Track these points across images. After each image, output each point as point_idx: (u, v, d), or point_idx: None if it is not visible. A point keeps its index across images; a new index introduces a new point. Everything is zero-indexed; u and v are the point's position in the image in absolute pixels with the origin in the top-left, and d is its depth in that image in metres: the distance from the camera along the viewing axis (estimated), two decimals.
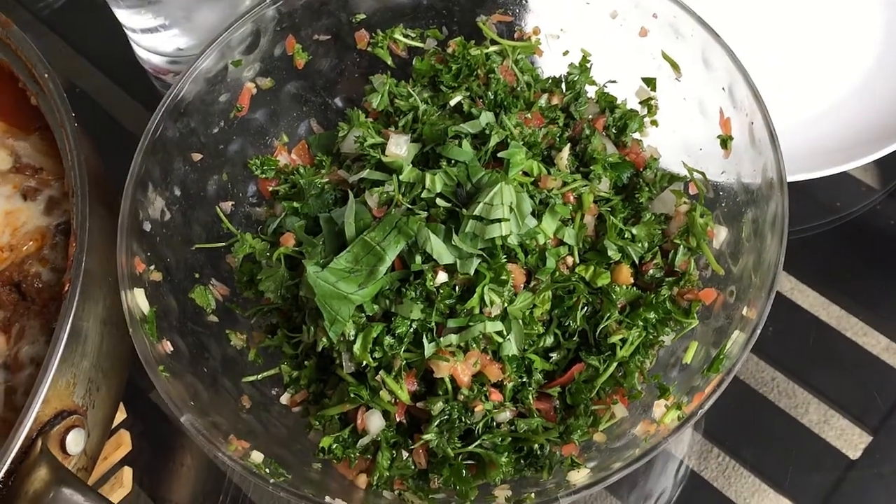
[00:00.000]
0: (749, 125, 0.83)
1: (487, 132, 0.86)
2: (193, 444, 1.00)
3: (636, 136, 0.95)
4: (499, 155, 0.84)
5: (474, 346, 0.78)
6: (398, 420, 0.81)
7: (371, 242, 0.79)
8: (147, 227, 0.86)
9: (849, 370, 0.99)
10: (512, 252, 0.81)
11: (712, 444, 0.96)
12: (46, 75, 0.90)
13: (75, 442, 0.76)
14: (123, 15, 1.17)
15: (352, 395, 0.80)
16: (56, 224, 0.91)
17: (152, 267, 0.85)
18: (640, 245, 0.85)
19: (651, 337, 0.82)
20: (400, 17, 1.01)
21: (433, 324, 0.78)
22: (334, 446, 0.80)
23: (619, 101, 0.96)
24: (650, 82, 0.95)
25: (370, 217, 0.82)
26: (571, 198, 0.85)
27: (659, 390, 0.79)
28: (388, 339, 0.78)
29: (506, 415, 0.80)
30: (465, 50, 0.97)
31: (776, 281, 0.75)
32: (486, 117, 0.88)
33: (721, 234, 0.85)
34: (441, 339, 0.78)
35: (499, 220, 0.78)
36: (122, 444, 0.96)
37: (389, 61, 1.01)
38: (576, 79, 0.97)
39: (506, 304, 0.79)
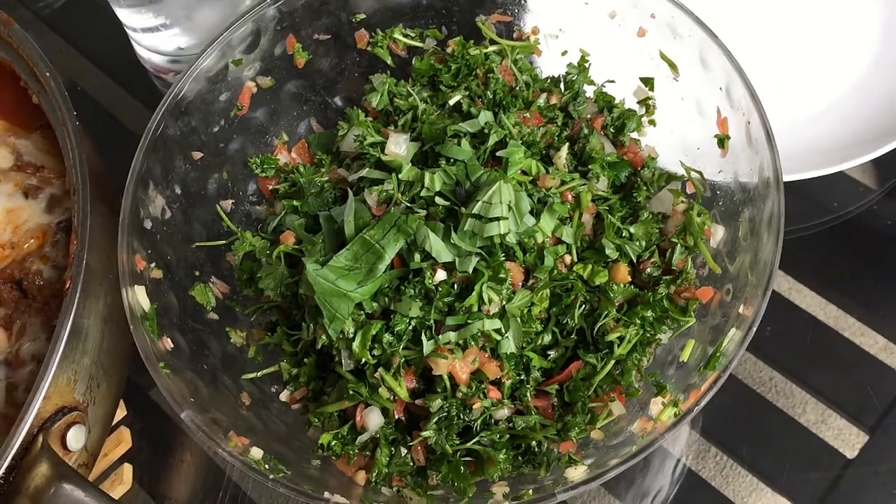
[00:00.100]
0: (746, 125, 0.83)
1: (486, 131, 0.87)
2: (193, 441, 1.01)
3: (634, 135, 0.95)
4: (497, 154, 0.85)
5: (473, 343, 0.79)
6: (397, 417, 0.81)
7: (370, 240, 0.80)
8: (148, 224, 0.87)
9: (846, 370, 0.99)
10: (510, 250, 0.81)
11: (710, 444, 0.96)
12: (48, 74, 0.90)
13: (76, 438, 0.77)
14: (124, 14, 1.17)
15: (351, 393, 0.80)
16: (57, 222, 0.91)
17: (153, 264, 0.86)
18: (637, 244, 0.86)
19: (648, 335, 0.83)
20: (399, 17, 1.01)
21: (432, 321, 0.79)
22: (333, 443, 0.81)
23: (617, 101, 0.96)
24: (648, 82, 0.95)
25: (369, 215, 0.83)
26: (570, 197, 0.86)
27: (656, 388, 0.79)
28: (387, 337, 0.79)
29: (504, 412, 0.80)
30: (464, 50, 0.97)
31: (772, 279, 0.75)
32: (485, 116, 0.88)
33: (718, 233, 0.85)
34: (440, 336, 0.78)
35: (497, 219, 0.79)
36: (123, 440, 0.97)
37: (389, 61, 1.01)
38: (574, 78, 0.97)
39: (504, 302, 0.80)
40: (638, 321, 0.82)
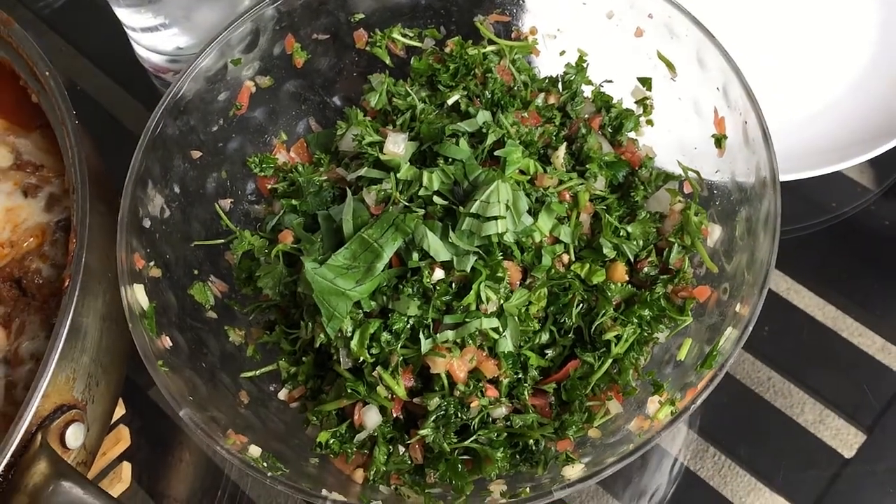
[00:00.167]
0: (743, 124, 0.83)
1: (484, 131, 0.87)
2: (192, 440, 1.01)
3: (632, 135, 0.96)
4: (495, 153, 0.85)
5: (470, 342, 0.79)
6: (395, 415, 0.81)
7: (369, 239, 0.80)
8: (147, 223, 0.87)
9: (844, 370, 0.99)
10: (508, 249, 0.81)
11: (708, 444, 0.96)
12: (47, 73, 0.90)
13: (75, 436, 0.77)
14: (124, 14, 1.18)
15: (349, 391, 0.80)
16: (56, 221, 0.92)
17: (152, 263, 0.86)
18: (635, 243, 0.86)
19: (646, 334, 0.83)
20: (398, 17, 1.01)
21: (430, 320, 0.79)
22: (331, 441, 0.81)
23: (614, 101, 0.97)
24: (646, 82, 0.95)
25: (368, 214, 0.83)
26: (567, 196, 0.86)
27: (653, 387, 0.79)
28: (385, 336, 0.79)
29: (501, 410, 0.81)
30: (462, 49, 0.97)
31: (768, 278, 0.75)
32: (483, 116, 0.88)
33: (715, 233, 0.86)
34: (437, 335, 0.79)
35: (495, 218, 0.79)
36: (121, 439, 0.97)
37: (388, 61, 1.01)
38: (572, 78, 0.98)
39: (502, 301, 0.80)
40: (635, 320, 0.82)
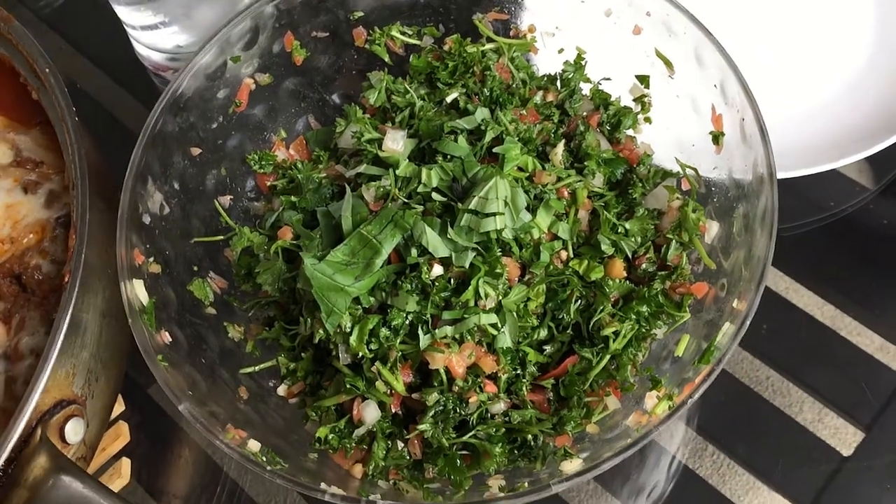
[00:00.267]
0: (740, 121, 0.83)
1: (483, 128, 0.87)
2: (191, 437, 1.01)
3: (630, 132, 0.96)
4: (494, 150, 0.85)
5: (469, 338, 0.79)
6: (394, 411, 0.81)
7: (368, 236, 0.80)
8: (146, 219, 0.87)
9: (842, 368, 0.99)
10: (506, 246, 0.81)
11: (707, 442, 0.96)
12: (48, 70, 0.91)
13: (74, 431, 0.77)
14: (124, 12, 1.18)
15: (348, 387, 0.80)
16: (56, 217, 0.92)
17: (151, 259, 0.86)
18: (633, 240, 0.86)
19: (644, 330, 0.83)
20: (397, 15, 1.01)
21: (428, 316, 0.79)
22: (330, 437, 0.81)
23: (612, 98, 0.97)
24: (644, 80, 0.96)
25: (367, 211, 0.83)
26: (566, 193, 0.86)
27: (651, 382, 0.80)
28: (383, 331, 0.79)
29: (500, 406, 0.81)
30: (461, 47, 0.97)
31: (766, 274, 0.75)
32: (482, 113, 0.89)
33: (713, 229, 0.86)
34: (436, 331, 0.79)
35: (494, 214, 0.79)
36: (121, 435, 0.97)
37: (387, 58, 1.02)
38: (570, 76, 0.98)
39: (500, 297, 0.80)
40: (633, 316, 0.82)
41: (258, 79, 0.99)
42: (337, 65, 1.04)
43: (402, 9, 1.02)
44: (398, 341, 0.79)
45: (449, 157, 0.85)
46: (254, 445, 0.77)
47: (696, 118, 0.91)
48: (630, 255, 0.86)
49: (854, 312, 1.03)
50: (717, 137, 0.88)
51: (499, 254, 0.80)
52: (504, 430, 0.80)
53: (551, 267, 0.83)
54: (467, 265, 0.79)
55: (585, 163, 0.89)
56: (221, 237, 0.94)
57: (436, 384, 0.80)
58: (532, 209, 0.83)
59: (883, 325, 1.01)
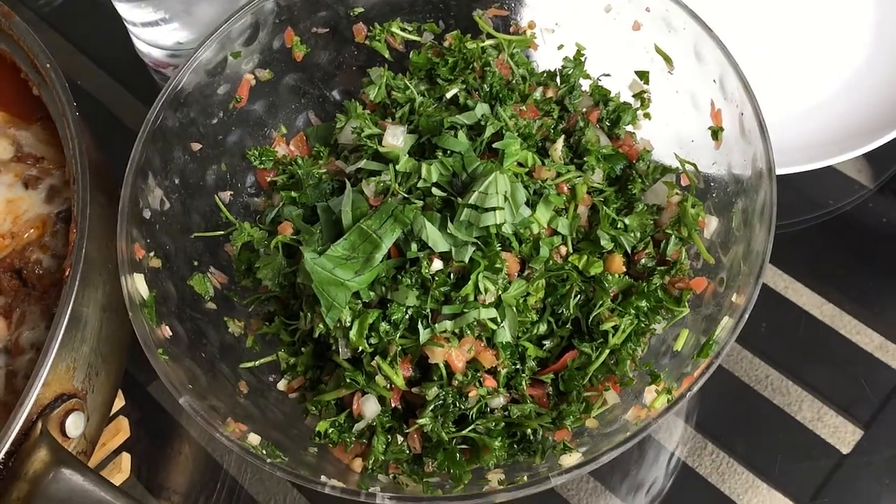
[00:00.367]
0: (739, 116, 0.84)
1: (483, 123, 0.87)
2: (191, 434, 1.01)
3: (629, 128, 0.96)
4: (494, 146, 0.85)
5: (469, 332, 0.79)
6: (393, 405, 0.82)
7: (368, 230, 0.80)
8: (147, 214, 0.87)
9: (841, 366, 0.99)
10: (506, 241, 0.81)
11: (706, 440, 0.96)
12: (48, 65, 0.91)
13: (75, 425, 0.77)
14: (124, 9, 1.18)
15: (348, 381, 0.80)
16: (57, 212, 0.92)
17: (152, 254, 0.86)
18: (632, 235, 0.86)
19: (643, 325, 0.83)
20: (397, 11, 1.02)
21: (428, 310, 0.79)
22: (330, 431, 0.81)
23: (612, 94, 0.97)
24: (643, 75, 0.96)
25: (367, 206, 0.83)
26: (565, 188, 0.86)
27: (650, 377, 0.80)
28: (383, 326, 0.79)
29: (499, 400, 0.81)
30: (461, 43, 0.98)
31: (764, 268, 0.75)
32: (482, 109, 0.89)
33: (712, 224, 0.86)
34: (436, 325, 0.79)
35: (493, 209, 0.79)
36: (121, 430, 0.97)
37: (387, 54, 1.02)
38: (570, 72, 0.98)
39: (500, 292, 0.80)
40: (632, 311, 0.83)
41: (258, 74, 0.99)
42: (337, 61, 1.04)
43: (402, 5, 1.02)
44: (398, 336, 0.79)
45: (449, 152, 0.85)
46: (254, 439, 0.77)
47: (696, 114, 0.91)
48: (629, 251, 0.86)
49: (853, 310, 1.03)
50: (716, 133, 0.88)
51: (498, 249, 0.80)
52: (503, 424, 0.80)
53: (551, 262, 0.84)
54: (467, 260, 0.80)
55: (585, 158, 0.90)
56: (222, 232, 0.94)
57: (435, 378, 0.80)
58: (532, 204, 0.83)
59: (881, 324, 1.02)
